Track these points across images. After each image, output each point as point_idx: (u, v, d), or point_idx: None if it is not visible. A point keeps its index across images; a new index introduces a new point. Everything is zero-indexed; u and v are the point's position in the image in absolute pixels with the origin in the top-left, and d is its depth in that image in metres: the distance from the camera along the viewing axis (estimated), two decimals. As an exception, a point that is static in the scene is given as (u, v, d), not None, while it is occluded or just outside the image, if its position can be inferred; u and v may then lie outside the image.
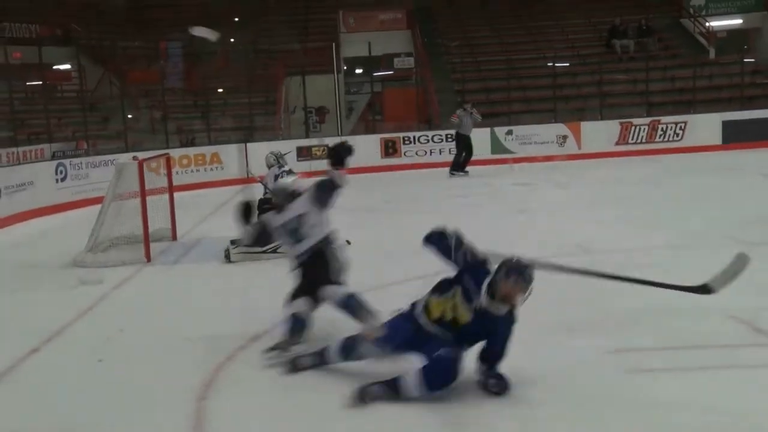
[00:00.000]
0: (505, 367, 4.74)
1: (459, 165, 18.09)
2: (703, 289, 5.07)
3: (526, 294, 4.66)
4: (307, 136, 21.47)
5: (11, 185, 14.07)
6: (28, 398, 5.29)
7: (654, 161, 18.65)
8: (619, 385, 4.83)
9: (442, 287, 4.92)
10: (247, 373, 5.47)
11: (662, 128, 20.64)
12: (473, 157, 18.34)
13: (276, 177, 10.03)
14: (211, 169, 18.83)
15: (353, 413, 4.55)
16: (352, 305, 5.95)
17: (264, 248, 9.59)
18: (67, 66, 23.66)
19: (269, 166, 10.90)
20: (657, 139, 20.60)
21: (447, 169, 18.07)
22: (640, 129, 20.68)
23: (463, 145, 18.25)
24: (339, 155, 6.30)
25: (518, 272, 4.62)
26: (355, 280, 7.88)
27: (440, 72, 24.84)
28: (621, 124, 20.72)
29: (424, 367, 4.62)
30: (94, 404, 5.07)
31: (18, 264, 10.24)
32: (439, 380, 4.57)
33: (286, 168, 10.35)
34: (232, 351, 5.94)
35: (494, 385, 4.70)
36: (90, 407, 5.03)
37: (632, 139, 20.65)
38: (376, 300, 7.27)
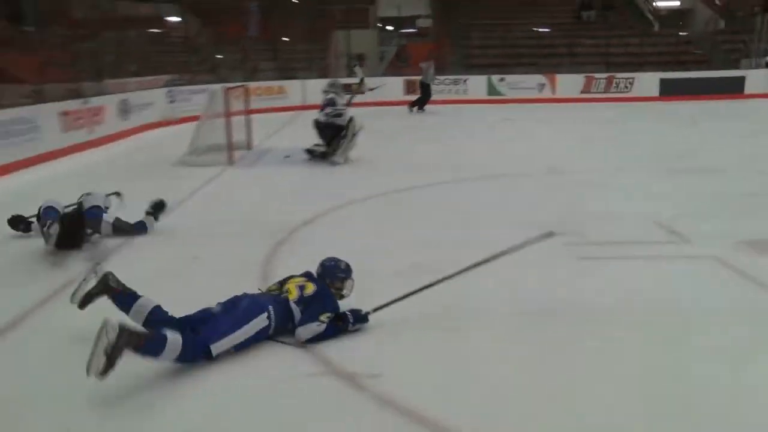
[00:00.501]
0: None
1: (420, 104, 17.62)
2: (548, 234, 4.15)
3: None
4: (349, 76, 21.16)
5: (138, 104, 14.12)
6: (140, 262, 5.38)
7: (609, 107, 18.21)
8: (573, 267, 4.85)
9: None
10: (298, 247, 5.50)
11: (616, 82, 20.05)
12: (431, 99, 17.87)
13: (325, 100, 9.85)
14: (278, 98, 18.63)
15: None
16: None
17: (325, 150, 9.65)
18: (176, 18, 23.24)
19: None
20: (612, 90, 20.03)
21: (451, 106, 17.71)
22: (600, 82, 20.10)
23: (425, 90, 17.82)
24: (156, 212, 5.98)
25: (347, 271, 4.06)
26: (380, 185, 7.91)
27: (452, 31, 24.20)
28: (586, 77, 20.15)
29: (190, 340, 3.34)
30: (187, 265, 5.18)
31: (140, 161, 10.33)
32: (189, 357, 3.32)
33: (329, 96, 9.83)
34: (293, 227, 6.00)
35: (353, 323, 3.80)
36: (184, 268, 5.14)
37: (594, 89, 20.11)
38: (393, 201, 7.34)
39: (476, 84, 20.09)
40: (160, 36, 20.86)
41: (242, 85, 11.65)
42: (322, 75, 18.77)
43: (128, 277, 3.79)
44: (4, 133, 9.42)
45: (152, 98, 15.05)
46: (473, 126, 14.52)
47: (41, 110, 10.62)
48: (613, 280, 4.54)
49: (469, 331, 3.79)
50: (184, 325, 3.47)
